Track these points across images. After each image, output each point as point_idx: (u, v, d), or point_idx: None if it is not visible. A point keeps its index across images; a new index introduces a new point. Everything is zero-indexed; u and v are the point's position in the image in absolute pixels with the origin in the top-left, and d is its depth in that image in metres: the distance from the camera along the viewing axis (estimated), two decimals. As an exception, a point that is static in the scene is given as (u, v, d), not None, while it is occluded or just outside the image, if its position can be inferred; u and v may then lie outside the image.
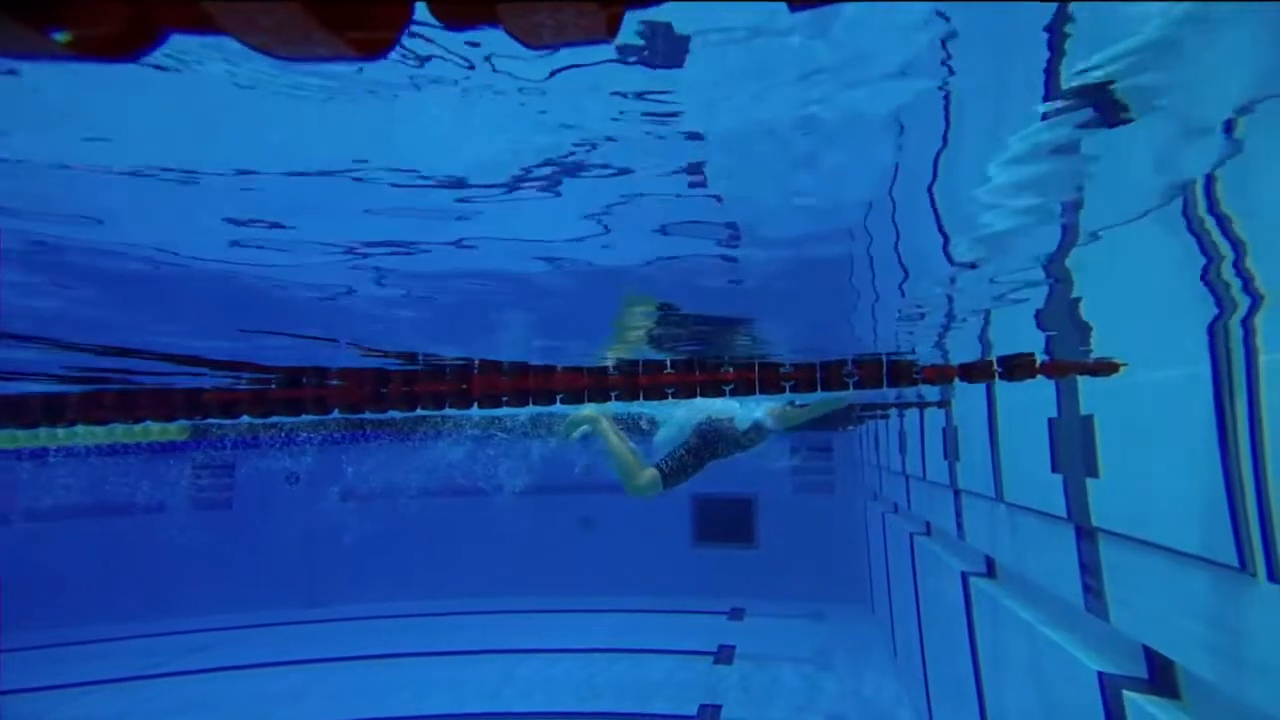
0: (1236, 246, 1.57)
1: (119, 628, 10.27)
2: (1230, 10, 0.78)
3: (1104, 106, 1.01)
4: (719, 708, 7.09)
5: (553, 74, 0.93)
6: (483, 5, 0.41)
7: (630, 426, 4.54)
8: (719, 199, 1.37)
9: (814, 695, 7.43)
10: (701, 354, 3.23)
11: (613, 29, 0.46)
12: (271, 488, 11.79)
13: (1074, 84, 0.95)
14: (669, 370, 3.22)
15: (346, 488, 11.55)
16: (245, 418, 3.39)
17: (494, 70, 0.91)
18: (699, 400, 3.94)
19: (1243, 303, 1.81)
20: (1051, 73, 0.94)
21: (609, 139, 1.12)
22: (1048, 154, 1.16)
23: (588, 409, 3.84)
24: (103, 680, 8.54)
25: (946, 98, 1.03)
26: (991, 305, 2.41)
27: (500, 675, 8.27)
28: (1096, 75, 0.91)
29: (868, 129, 1.10)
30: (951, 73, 0.96)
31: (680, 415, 4.09)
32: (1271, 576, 1.84)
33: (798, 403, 4.08)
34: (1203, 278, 1.76)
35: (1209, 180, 1.29)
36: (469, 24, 0.43)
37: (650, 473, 3.85)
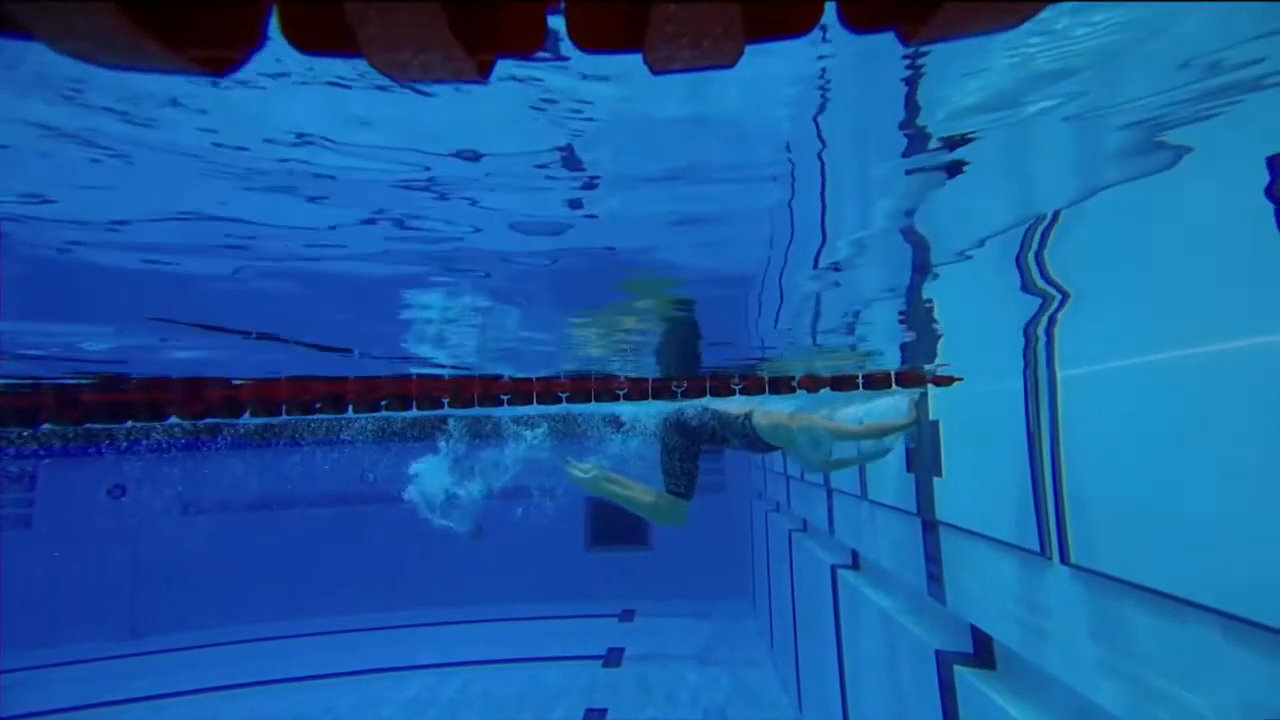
0: (1044, 276, 1.86)
1: None
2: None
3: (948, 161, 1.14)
4: (605, 711, 7.18)
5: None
6: (342, 37, 0.40)
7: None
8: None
9: (696, 691, 7.70)
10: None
11: (484, 73, 0.46)
12: (87, 501, 10.04)
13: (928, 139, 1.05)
14: (504, 380, 3.13)
15: (189, 500, 10.20)
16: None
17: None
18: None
19: (1045, 320, 2.12)
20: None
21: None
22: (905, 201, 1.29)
23: (579, 471, 3.68)
24: None
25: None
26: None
27: (383, 695, 7.88)
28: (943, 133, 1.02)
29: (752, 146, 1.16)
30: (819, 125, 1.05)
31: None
32: (1063, 558, 2.17)
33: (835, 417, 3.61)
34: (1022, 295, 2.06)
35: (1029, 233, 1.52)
36: (327, 52, 0.41)
37: (670, 500, 3.68)
